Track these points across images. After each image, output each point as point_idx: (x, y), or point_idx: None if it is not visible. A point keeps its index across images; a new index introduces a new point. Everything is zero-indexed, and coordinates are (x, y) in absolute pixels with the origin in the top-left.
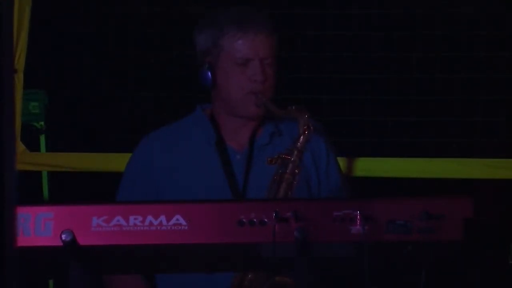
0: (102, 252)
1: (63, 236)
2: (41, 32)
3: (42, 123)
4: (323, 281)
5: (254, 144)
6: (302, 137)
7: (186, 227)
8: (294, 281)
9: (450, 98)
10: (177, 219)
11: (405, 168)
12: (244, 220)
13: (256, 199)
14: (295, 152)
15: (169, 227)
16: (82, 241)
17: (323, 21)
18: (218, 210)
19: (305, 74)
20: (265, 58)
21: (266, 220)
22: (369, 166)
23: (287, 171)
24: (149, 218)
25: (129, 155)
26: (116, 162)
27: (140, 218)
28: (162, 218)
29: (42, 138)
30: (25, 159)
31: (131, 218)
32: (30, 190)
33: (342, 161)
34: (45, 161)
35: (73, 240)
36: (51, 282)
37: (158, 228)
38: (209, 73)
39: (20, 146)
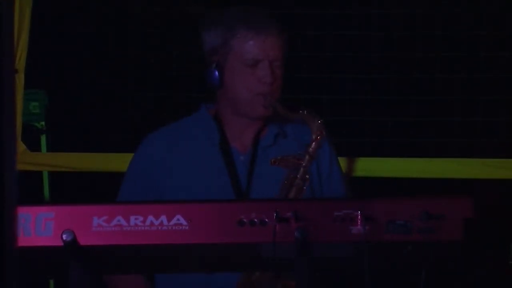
0: (103, 252)
1: (64, 236)
2: (41, 32)
3: (43, 123)
4: (323, 281)
5: (258, 145)
6: (314, 143)
7: (187, 227)
8: (294, 281)
9: (450, 98)
10: (178, 219)
11: (405, 168)
12: (244, 220)
13: (256, 199)
14: (307, 157)
15: (169, 227)
16: (83, 241)
17: (323, 21)
18: (218, 210)
19: (305, 74)
20: (275, 60)
21: (266, 220)
22: (369, 166)
23: (298, 176)
24: (150, 218)
25: (129, 155)
26: (116, 162)
27: (141, 218)
28: (163, 218)
29: (43, 138)
30: (26, 159)
31: (132, 218)
32: (31, 190)
33: (342, 161)
34: (45, 161)
35: (74, 240)
36: (51, 282)
37: (159, 228)
38: (217, 73)
39: (21, 146)
